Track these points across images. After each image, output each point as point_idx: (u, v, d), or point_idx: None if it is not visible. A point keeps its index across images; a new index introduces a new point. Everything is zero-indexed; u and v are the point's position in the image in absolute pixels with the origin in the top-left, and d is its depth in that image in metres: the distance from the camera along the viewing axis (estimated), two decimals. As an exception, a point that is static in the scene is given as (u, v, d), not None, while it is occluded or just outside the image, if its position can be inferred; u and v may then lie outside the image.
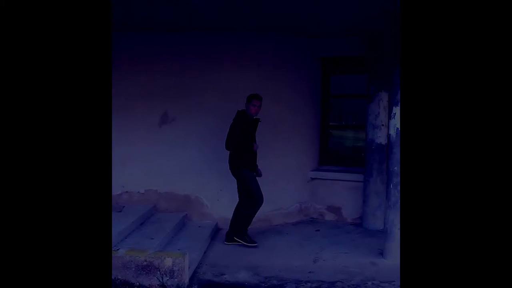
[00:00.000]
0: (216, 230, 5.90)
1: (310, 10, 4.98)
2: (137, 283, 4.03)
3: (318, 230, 6.02)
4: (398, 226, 4.75)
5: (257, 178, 5.38)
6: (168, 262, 4.04)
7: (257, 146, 5.34)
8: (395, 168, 4.70)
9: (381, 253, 4.95)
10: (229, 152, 5.34)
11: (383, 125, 5.89)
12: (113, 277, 3.98)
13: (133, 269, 4.05)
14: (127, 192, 6.07)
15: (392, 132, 4.71)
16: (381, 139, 5.92)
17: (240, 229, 5.36)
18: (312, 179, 6.57)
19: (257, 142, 5.37)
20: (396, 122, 4.68)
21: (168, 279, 4.02)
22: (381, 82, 5.88)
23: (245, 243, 5.30)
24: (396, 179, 4.70)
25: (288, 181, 6.25)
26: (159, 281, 4.01)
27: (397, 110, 4.67)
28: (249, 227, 5.55)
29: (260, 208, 5.34)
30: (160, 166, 6.02)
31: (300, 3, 4.75)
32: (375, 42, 5.99)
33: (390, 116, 4.77)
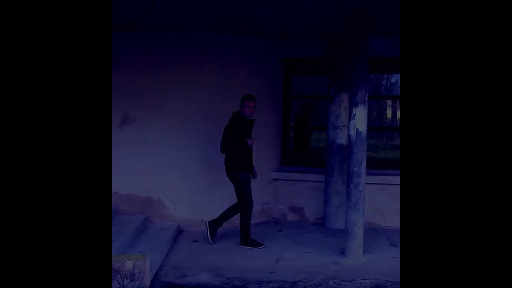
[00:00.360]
0: (178, 232, 5.86)
1: (271, 11, 4.99)
2: (97, 287, 3.96)
3: (281, 231, 6.05)
4: (359, 225, 4.83)
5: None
6: (129, 264, 3.98)
7: (252, 141, 5.34)
8: (355, 168, 4.76)
9: (343, 252, 5.01)
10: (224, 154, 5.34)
11: (343, 126, 5.97)
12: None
13: (93, 272, 3.98)
14: (87, 194, 5.95)
15: (352, 132, 4.77)
16: (342, 139, 6.00)
17: (245, 236, 5.42)
18: (274, 179, 6.61)
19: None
20: (356, 123, 4.74)
21: (129, 282, 3.97)
22: (342, 83, 5.95)
23: (252, 247, 5.34)
24: (357, 179, 4.77)
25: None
26: (120, 284, 3.95)
27: (356, 111, 4.74)
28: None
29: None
30: (121, 168, 5.91)
31: (260, 4, 4.76)
32: (336, 44, 6.07)
33: (350, 117, 4.83)
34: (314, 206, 6.48)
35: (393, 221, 6.19)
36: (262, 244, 5.38)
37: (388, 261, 4.92)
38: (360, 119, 4.73)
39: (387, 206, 6.19)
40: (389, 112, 9.21)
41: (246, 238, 5.39)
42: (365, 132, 4.76)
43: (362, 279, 4.39)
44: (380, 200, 6.16)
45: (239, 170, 5.32)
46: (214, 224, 5.49)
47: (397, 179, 6.18)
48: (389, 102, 7.39)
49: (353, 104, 4.77)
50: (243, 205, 5.37)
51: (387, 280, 4.37)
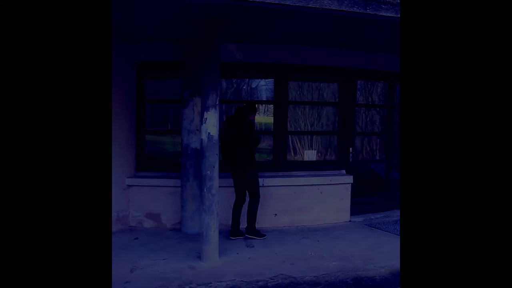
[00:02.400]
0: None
1: (122, 14, 4.84)
2: None
3: (137, 238, 5.89)
4: (214, 228, 4.87)
5: None
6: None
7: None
8: (208, 172, 4.79)
9: (200, 257, 5.01)
10: (239, 151, 5.76)
11: (197, 130, 5.95)
12: None
13: None
14: None
15: (204, 137, 4.79)
16: (196, 143, 5.99)
17: (252, 226, 5.96)
18: (129, 186, 6.41)
19: None
20: (207, 127, 4.77)
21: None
22: (195, 87, 5.96)
23: (259, 238, 5.91)
24: (210, 183, 4.80)
25: (104, 189, 6.01)
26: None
27: (208, 115, 4.76)
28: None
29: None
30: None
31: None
32: (190, 48, 6.07)
33: (202, 121, 4.84)
34: (171, 211, 6.41)
35: (249, 222, 6.35)
36: (264, 235, 5.96)
37: (244, 261, 5.03)
38: (211, 123, 4.77)
39: (243, 208, 6.31)
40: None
41: (253, 228, 5.94)
42: (217, 136, 4.81)
43: (218, 282, 4.43)
44: (236, 202, 6.27)
45: (254, 167, 5.87)
46: (251, 229, 5.97)
47: (252, 181, 6.36)
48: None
49: (204, 108, 4.79)
50: (256, 197, 5.89)
51: (243, 281, 4.45)
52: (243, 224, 6.03)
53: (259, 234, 5.96)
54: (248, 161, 5.82)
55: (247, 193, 5.95)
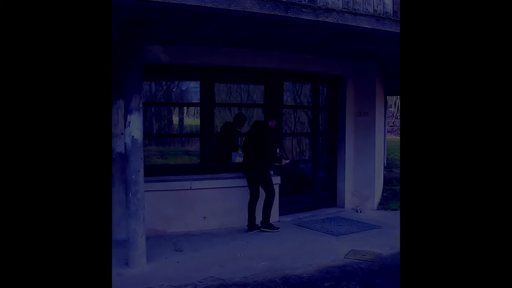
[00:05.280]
0: None
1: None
2: None
3: (61, 248, 5.69)
4: (140, 234, 4.78)
5: None
6: None
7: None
8: (133, 176, 4.69)
9: (127, 263, 4.91)
10: (255, 155, 6.37)
11: (122, 133, 5.82)
12: None
13: None
14: None
15: (128, 140, 4.69)
16: (121, 148, 5.82)
17: (267, 220, 6.46)
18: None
19: None
20: (131, 130, 4.68)
21: None
22: (120, 90, 5.81)
23: (272, 230, 6.42)
24: (135, 188, 4.70)
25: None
26: None
27: (131, 118, 4.67)
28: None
29: None
30: None
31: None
32: (115, 50, 5.91)
33: (125, 125, 4.75)
34: (98, 218, 6.22)
35: (178, 226, 6.29)
36: (278, 228, 6.50)
37: (172, 266, 4.99)
38: (135, 126, 4.68)
39: (172, 212, 6.26)
40: (176, 119, 9.29)
41: (267, 222, 6.44)
42: (141, 139, 4.72)
43: (145, 288, 4.37)
44: (164, 207, 6.18)
45: (268, 168, 6.53)
46: (267, 224, 6.46)
47: (180, 185, 6.32)
48: (178, 109, 7.47)
49: (127, 111, 4.70)
50: (272, 194, 6.45)
51: (171, 285, 4.42)
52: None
53: (273, 227, 6.47)
54: (262, 164, 6.38)
55: (260, 191, 6.48)
